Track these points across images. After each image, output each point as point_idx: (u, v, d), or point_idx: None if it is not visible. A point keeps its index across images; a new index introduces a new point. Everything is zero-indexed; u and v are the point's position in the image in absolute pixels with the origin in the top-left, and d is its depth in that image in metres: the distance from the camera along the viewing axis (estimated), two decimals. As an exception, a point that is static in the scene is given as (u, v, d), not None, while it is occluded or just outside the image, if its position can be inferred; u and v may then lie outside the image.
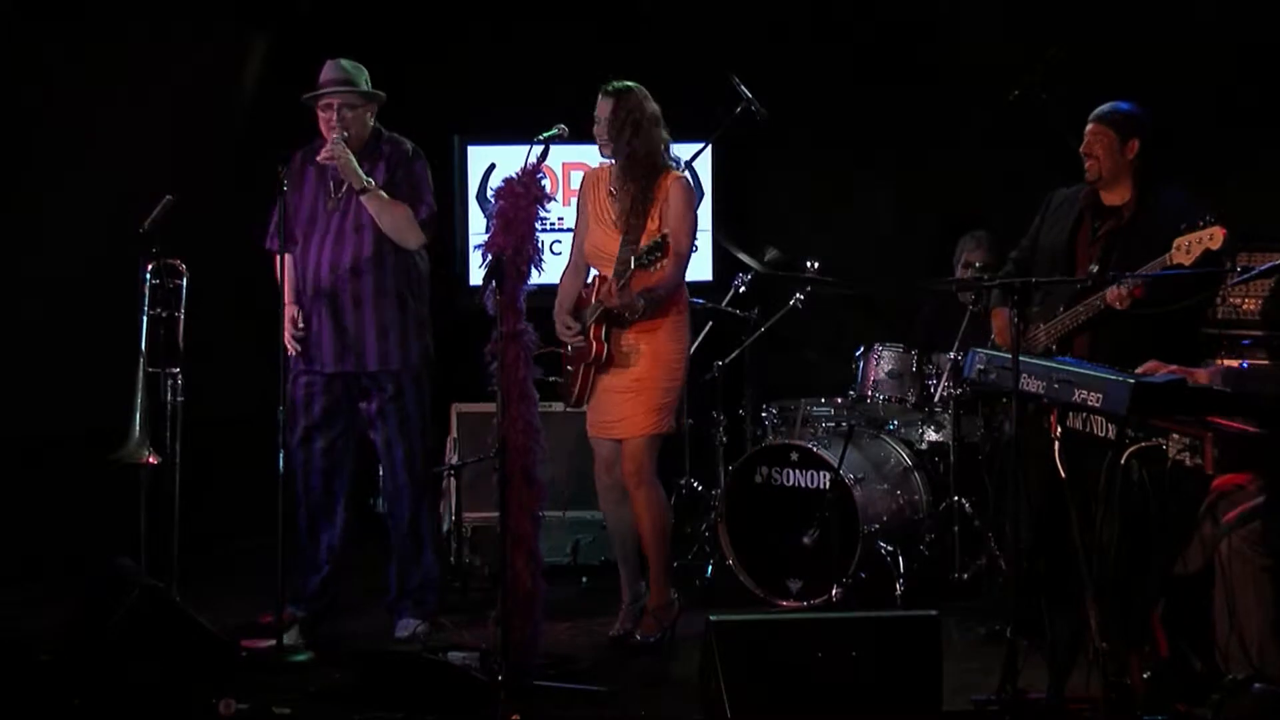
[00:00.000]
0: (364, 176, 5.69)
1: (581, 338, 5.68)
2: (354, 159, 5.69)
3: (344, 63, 5.82)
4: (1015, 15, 7.20)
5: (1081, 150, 5.55)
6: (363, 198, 5.71)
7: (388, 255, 5.80)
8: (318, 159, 5.75)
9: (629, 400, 5.69)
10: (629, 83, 5.67)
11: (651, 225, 5.62)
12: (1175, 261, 5.08)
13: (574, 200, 6.03)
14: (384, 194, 5.73)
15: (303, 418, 5.83)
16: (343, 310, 5.79)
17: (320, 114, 5.79)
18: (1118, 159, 5.51)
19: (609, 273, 5.66)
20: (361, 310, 5.79)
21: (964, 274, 6.86)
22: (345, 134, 5.71)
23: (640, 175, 5.64)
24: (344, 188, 5.79)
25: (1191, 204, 5.34)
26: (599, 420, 5.79)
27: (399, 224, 5.75)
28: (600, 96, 5.66)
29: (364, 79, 5.83)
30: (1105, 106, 5.57)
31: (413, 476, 5.91)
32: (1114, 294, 5.29)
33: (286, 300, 5.81)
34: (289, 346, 5.78)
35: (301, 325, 5.78)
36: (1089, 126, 5.56)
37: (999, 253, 6.59)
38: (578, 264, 5.84)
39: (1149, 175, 5.54)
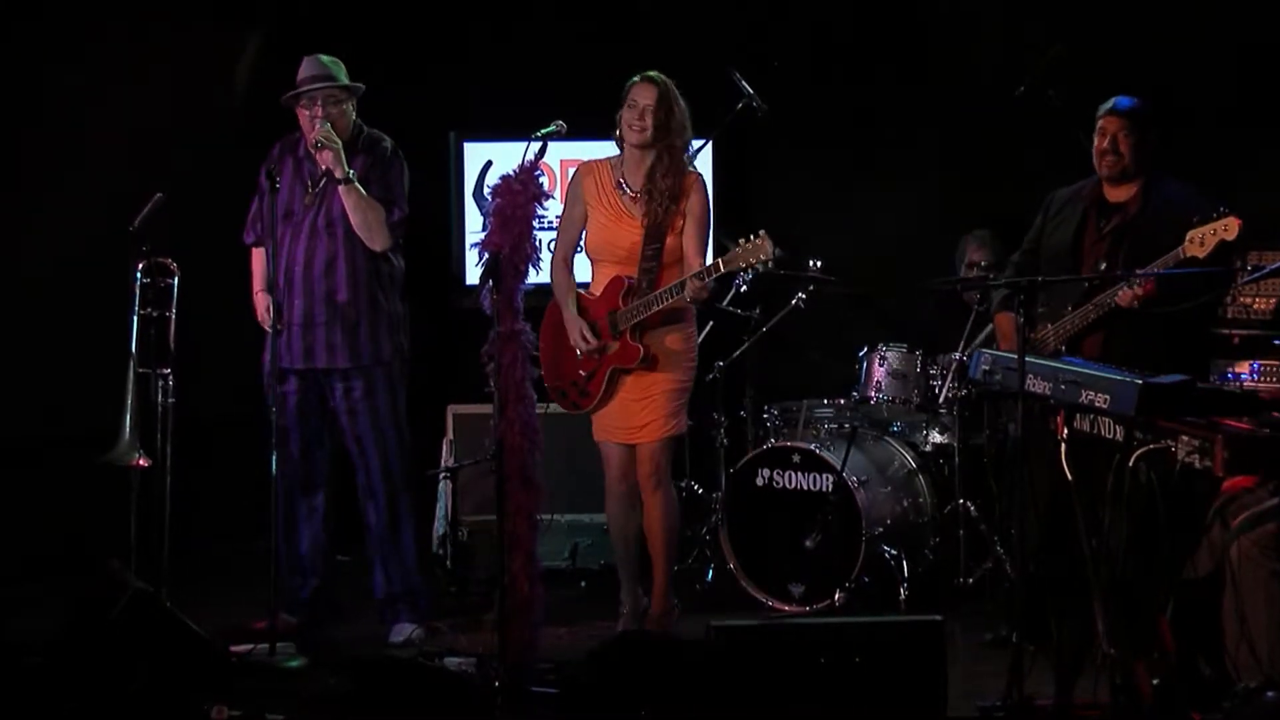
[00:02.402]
0: (347, 167, 5.64)
1: (593, 346, 5.58)
2: (342, 148, 5.65)
3: (322, 58, 5.79)
4: (1016, 14, 7.14)
5: (1103, 146, 5.45)
6: (341, 189, 5.68)
7: (359, 252, 5.77)
8: (309, 139, 5.71)
9: (649, 404, 5.62)
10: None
11: (678, 223, 5.56)
12: (1189, 254, 5.02)
13: (573, 198, 5.94)
14: (361, 190, 5.67)
15: (278, 418, 5.78)
16: (313, 306, 5.77)
17: (302, 111, 5.76)
18: (1142, 155, 5.44)
19: (620, 269, 5.59)
20: (332, 306, 5.76)
21: (967, 274, 6.82)
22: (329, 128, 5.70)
23: (670, 170, 5.55)
24: (320, 183, 5.76)
25: (1194, 197, 5.32)
26: (617, 425, 5.69)
27: (370, 223, 5.72)
28: (639, 82, 5.55)
29: (343, 72, 5.81)
30: (1122, 101, 5.48)
31: (389, 477, 5.86)
32: (1125, 295, 5.22)
33: (256, 288, 5.84)
34: (264, 325, 5.75)
35: (274, 317, 5.74)
36: (1112, 121, 5.45)
37: (1002, 252, 6.54)
38: (567, 257, 5.75)
39: (1153, 170, 5.48)
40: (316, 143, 5.64)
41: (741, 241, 5.33)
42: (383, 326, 5.82)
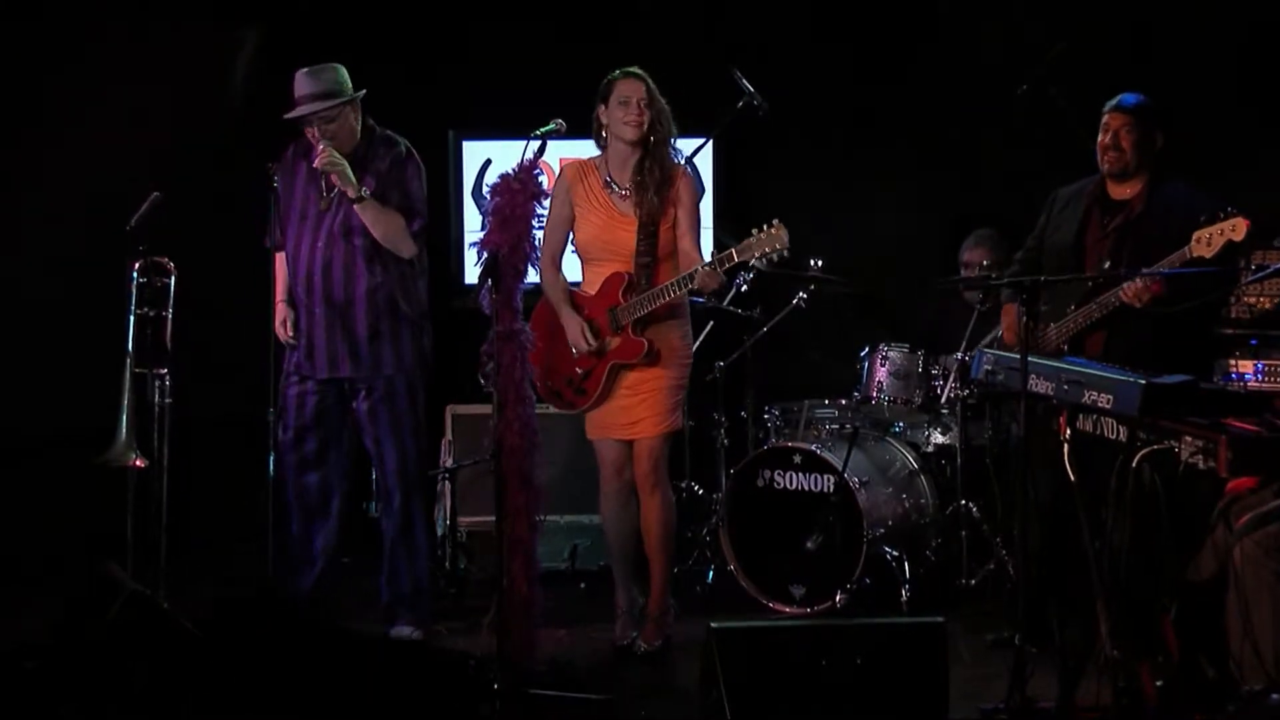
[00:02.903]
0: (358, 186, 5.56)
1: (592, 347, 5.55)
2: (349, 168, 5.57)
3: (315, 73, 5.64)
4: (1017, 14, 7.12)
5: (1105, 142, 5.44)
6: (356, 207, 5.60)
7: (378, 257, 5.71)
8: (313, 165, 5.63)
9: (646, 400, 5.59)
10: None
11: (669, 213, 5.53)
12: (1196, 254, 5.00)
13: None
14: (378, 204, 5.61)
15: (295, 418, 5.76)
16: (334, 312, 5.71)
17: (305, 128, 5.68)
18: (1144, 153, 5.41)
19: (613, 267, 5.55)
20: (352, 312, 5.70)
21: (968, 273, 6.80)
22: (332, 142, 5.61)
23: (659, 166, 5.52)
24: (334, 189, 5.67)
25: (1196, 195, 5.31)
26: (612, 422, 5.66)
27: (391, 234, 5.67)
28: (623, 79, 5.52)
29: (338, 79, 5.67)
30: (1127, 98, 5.47)
31: (404, 479, 5.81)
32: (1131, 290, 5.20)
33: (277, 298, 5.77)
34: (280, 336, 5.71)
35: (292, 330, 5.71)
36: (1115, 117, 5.45)
37: (1004, 252, 6.53)
38: (555, 258, 5.69)
39: (1159, 168, 5.45)
40: (321, 169, 5.58)
41: (756, 231, 5.30)
42: (404, 333, 5.77)
